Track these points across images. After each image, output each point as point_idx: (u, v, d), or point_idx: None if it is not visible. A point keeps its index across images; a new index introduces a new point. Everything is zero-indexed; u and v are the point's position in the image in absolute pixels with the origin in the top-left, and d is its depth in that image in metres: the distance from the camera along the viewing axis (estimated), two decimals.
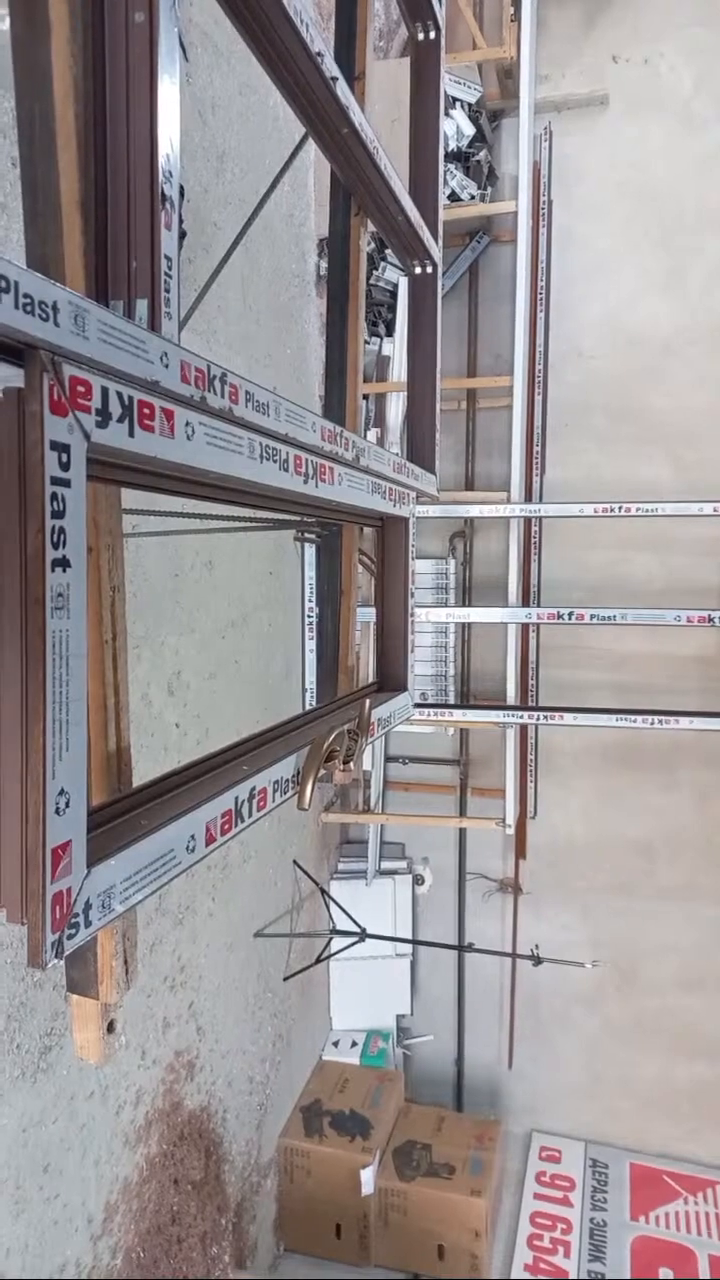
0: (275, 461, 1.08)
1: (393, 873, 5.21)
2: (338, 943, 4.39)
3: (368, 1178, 4.12)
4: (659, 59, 4.68)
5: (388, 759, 5.23)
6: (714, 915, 4.89)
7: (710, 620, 3.72)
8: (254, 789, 1.03)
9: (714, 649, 4.73)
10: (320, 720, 1.32)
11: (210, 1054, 3.52)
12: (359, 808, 5.15)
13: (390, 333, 4.72)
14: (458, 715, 3.97)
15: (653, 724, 3.63)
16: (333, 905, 4.32)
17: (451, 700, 4.98)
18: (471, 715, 4.08)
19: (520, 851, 5.03)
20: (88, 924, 0.68)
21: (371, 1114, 4.42)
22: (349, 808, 5.17)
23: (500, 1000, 5.20)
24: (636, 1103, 5.03)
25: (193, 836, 0.87)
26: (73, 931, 0.67)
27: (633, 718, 3.70)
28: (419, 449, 2.06)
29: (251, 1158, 4.02)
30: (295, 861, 4.40)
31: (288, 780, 1.12)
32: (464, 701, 4.99)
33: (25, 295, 0.60)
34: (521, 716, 3.98)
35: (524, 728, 4.65)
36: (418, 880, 5.23)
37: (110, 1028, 0.91)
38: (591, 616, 3.84)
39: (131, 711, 0.93)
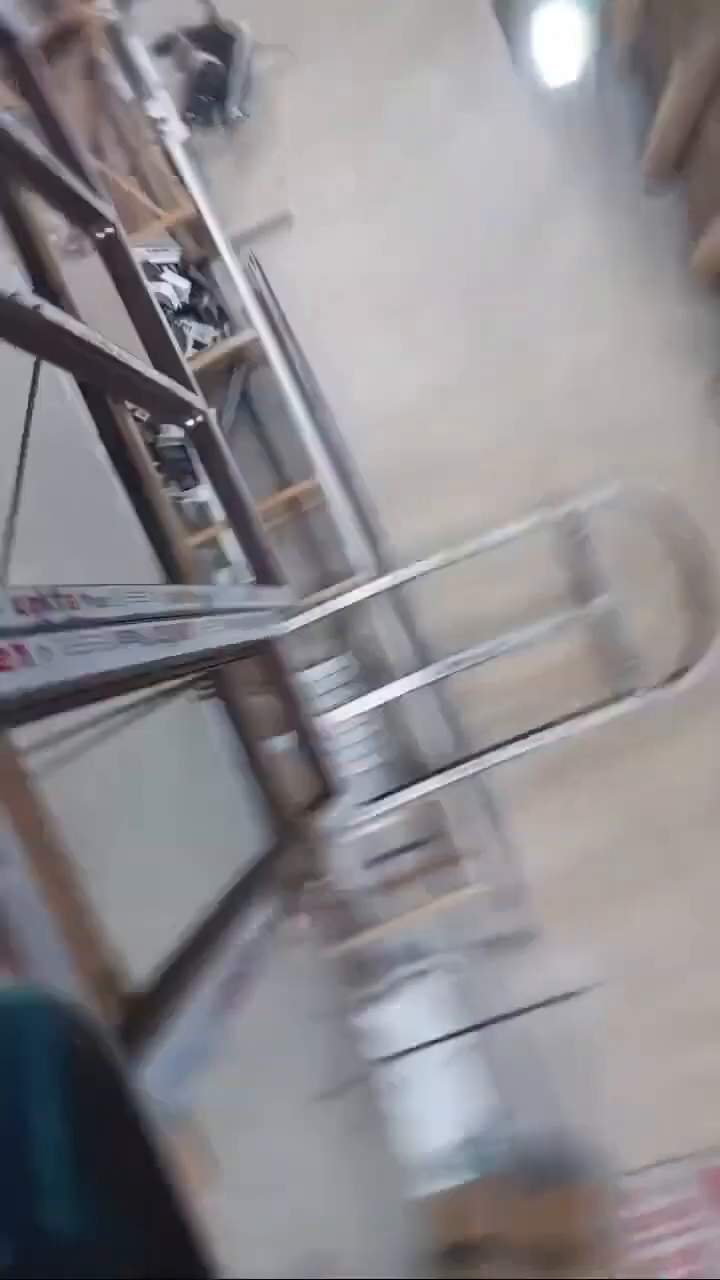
0: (137, 642, 1.11)
1: (415, 974, 5.08)
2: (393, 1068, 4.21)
3: None
4: (319, 166, 5.20)
5: (365, 866, 5.16)
6: (695, 887, 5.01)
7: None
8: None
9: (580, 648, 4.97)
10: (270, 862, 1.33)
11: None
12: (353, 930, 5.02)
13: (198, 481, 4.90)
14: (407, 794, 3.98)
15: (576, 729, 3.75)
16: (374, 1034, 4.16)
17: (400, 783, 4.99)
18: (418, 789, 4.11)
19: (516, 899, 5.02)
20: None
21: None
22: (346, 932, 5.04)
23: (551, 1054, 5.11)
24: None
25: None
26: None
27: (565, 725, 3.82)
28: (262, 571, 2.14)
29: None
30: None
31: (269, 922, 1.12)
32: (413, 778, 4.99)
33: None
34: (467, 768, 4.04)
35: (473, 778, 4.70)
36: (433, 974, 5.11)
37: None
38: (481, 654, 3.99)
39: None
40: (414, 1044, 4.08)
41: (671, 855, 5.06)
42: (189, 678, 1.82)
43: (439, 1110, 4.89)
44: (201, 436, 2.19)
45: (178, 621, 1.32)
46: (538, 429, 5.14)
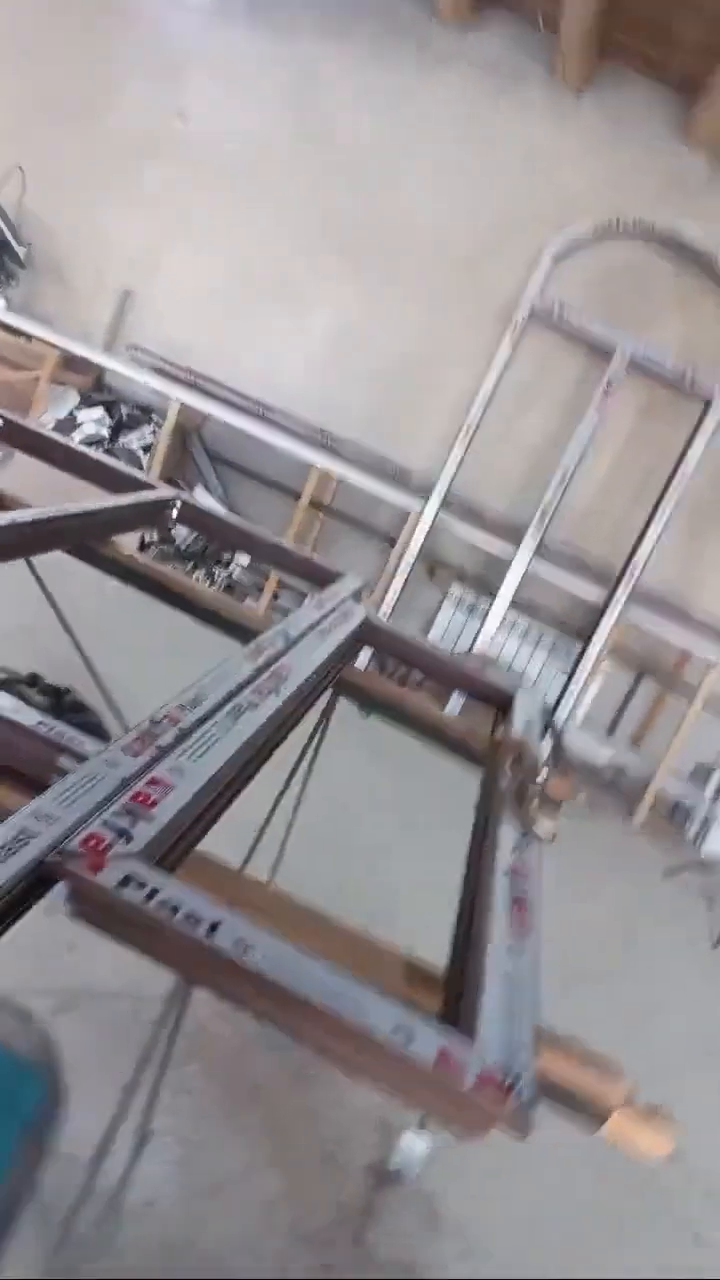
0: (247, 710, 1.17)
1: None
2: None
3: None
4: (111, 234, 5.22)
5: (608, 735, 5.07)
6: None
7: None
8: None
9: (640, 399, 4.72)
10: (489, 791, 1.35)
11: None
12: (636, 793, 4.94)
13: (230, 551, 5.02)
14: (590, 651, 3.87)
15: None
16: None
17: (579, 650, 4.87)
18: (597, 638, 3.99)
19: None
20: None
21: None
22: (632, 798, 4.96)
23: None
24: None
25: None
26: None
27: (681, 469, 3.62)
28: (315, 576, 2.17)
29: None
30: None
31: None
32: (587, 634, 4.85)
33: None
34: (628, 580, 3.89)
35: None
36: None
37: None
38: (558, 487, 3.84)
39: None
40: None
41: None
42: (324, 697, 1.85)
43: None
44: (189, 516, 2.25)
45: (269, 671, 1.36)
46: (451, 276, 4.97)
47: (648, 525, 4.58)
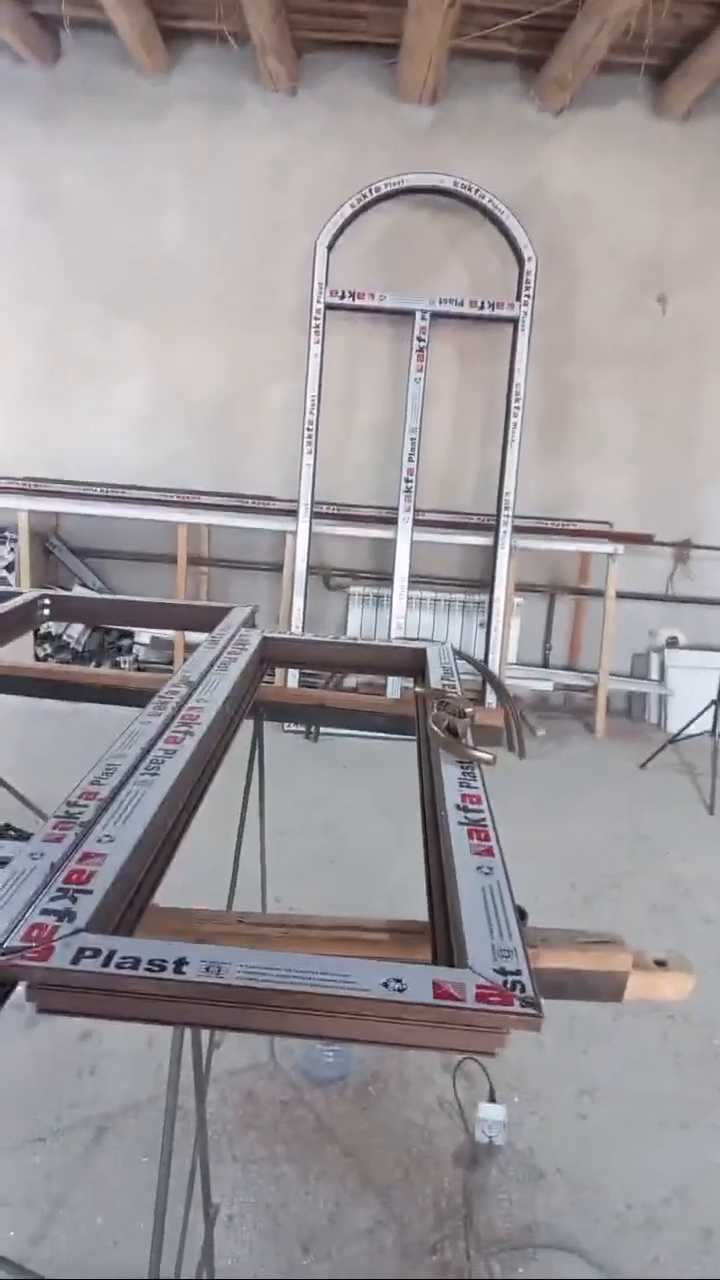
0: (166, 760, 1.15)
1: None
2: None
3: None
4: None
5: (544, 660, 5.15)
6: None
7: None
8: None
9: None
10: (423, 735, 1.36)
11: None
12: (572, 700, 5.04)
13: (129, 635, 4.93)
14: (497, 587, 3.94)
15: None
16: None
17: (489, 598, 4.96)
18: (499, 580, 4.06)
19: None
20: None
21: None
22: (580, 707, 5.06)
23: None
24: None
25: None
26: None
27: None
28: (205, 621, 2.16)
29: None
30: None
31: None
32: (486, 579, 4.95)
33: None
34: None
35: None
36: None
37: None
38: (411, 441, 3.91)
39: None
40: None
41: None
42: (240, 722, 1.83)
43: None
44: (64, 608, 2.23)
45: (178, 718, 1.35)
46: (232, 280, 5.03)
47: (504, 455, 4.70)
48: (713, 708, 4.29)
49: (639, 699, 5.35)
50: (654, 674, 5.31)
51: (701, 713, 4.32)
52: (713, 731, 4.26)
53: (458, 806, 1.06)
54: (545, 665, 5.36)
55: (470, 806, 1.05)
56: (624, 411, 5.12)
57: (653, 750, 4.53)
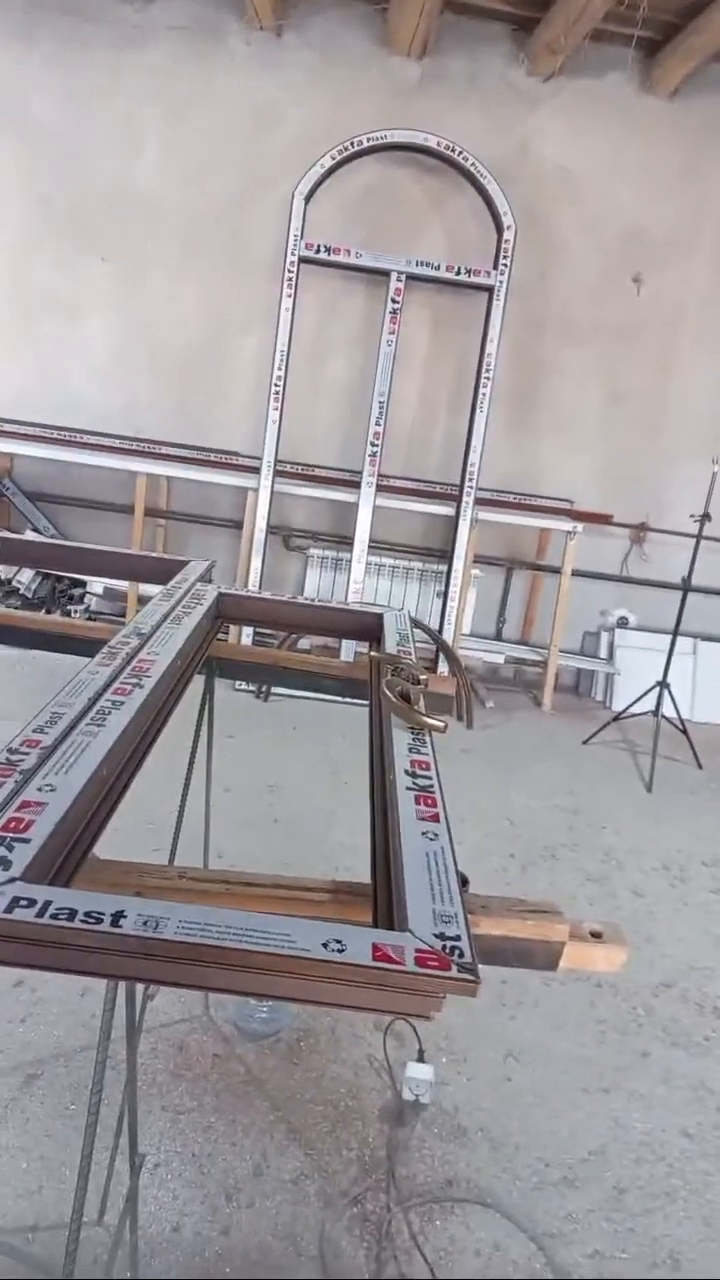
0: (114, 711, 1.13)
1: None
2: None
3: None
4: None
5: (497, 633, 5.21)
6: None
7: None
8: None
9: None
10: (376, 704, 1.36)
11: None
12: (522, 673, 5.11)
13: (82, 585, 4.84)
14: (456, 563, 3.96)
15: None
16: None
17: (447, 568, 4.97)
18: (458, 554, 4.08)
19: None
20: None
21: None
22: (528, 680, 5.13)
23: None
24: None
25: None
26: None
27: None
28: (163, 572, 2.12)
29: None
30: None
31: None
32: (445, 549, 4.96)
33: None
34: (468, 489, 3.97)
35: None
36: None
37: None
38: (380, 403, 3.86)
39: None
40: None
41: None
42: (192, 677, 1.81)
43: None
44: (11, 551, 2.17)
45: (128, 668, 1.32)
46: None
47: (471, 427, 4.68)
48: (657, 688, 4.37)
49: (587, 676, 5.43)
50: (603, 652, 5.39)
51: (646, 693, 4.41)
52: (656, 711, 4.35)
53: (406, 772, 1.05)
54: (498, 638, 5.40)
55: (419, 772, 1.05)
56: (593, 390, 5.13)
57: (597, 727, 4.61)
